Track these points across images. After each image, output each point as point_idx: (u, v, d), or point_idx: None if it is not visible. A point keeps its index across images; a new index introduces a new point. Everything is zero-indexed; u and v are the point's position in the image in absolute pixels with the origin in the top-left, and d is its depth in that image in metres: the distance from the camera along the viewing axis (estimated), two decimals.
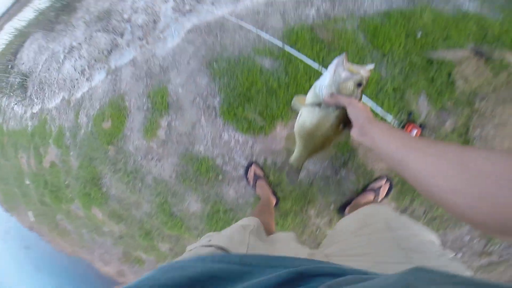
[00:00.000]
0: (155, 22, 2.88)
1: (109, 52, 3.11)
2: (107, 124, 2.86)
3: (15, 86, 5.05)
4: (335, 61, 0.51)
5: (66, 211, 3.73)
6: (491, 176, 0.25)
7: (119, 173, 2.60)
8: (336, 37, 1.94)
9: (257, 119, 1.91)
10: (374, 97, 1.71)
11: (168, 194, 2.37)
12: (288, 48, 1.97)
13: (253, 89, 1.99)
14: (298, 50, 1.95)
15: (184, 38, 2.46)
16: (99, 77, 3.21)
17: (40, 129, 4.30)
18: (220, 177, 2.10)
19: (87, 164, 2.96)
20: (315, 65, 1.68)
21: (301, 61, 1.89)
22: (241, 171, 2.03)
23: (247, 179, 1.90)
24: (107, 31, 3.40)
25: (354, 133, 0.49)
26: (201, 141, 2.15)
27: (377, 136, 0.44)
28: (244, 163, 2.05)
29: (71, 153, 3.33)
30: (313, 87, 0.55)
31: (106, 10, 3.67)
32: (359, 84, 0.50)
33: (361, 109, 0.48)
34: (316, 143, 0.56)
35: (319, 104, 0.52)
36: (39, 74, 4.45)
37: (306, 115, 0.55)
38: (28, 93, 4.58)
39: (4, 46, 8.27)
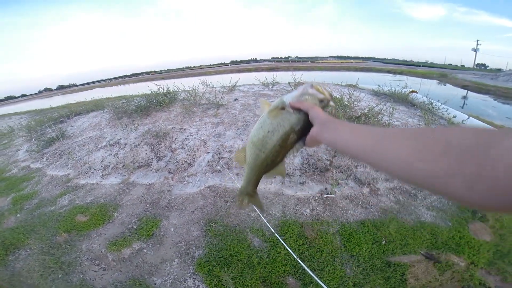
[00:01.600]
0: (189, 165, 3.64)
1: (140, 166, 3.68)
2: (81, 218, 2.80)
3: (44, 138, 5.54)
4: (305, 85, 0.61)
5: None
6: (477, 150, 0.23)
7: (48, 256, 2.31)
8: (318, 236, 2.31)
9: (228, 282, 1.96)
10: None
11: None
12: (277, 236, 2.28)
13: (236, 257, 2.15)
14: (285, 240, 2.24)
15: (202, 191, 2.99)
16: (113, 180, 3.50)
17: (17, 181, 4.15)
18: None
19: (21, 231, 2.69)
20: (294, 255, 1.97)
21: (284, 248, 2.10)
22: None
23: None
24: (152, 149, 4.22)
25: (314, 131, 0.51)
26: (161, 276, 2.07)
27: (342, 128, 0.43)
28: None
29: (18, 215, 3.09)
30: (280, 98, 0.62)
31: (166, 131, 4.65)
32: (321, 101, 0.59)
33: (324, 112, 0.53)
34: (269, 151, 0.59)
35: (283, 108, 0.60)
36: (72, 143, 5.02)
37: (269, 115, 0.60)
38: (46, 151, 4.88)
39: (76, 102, 10.04)
